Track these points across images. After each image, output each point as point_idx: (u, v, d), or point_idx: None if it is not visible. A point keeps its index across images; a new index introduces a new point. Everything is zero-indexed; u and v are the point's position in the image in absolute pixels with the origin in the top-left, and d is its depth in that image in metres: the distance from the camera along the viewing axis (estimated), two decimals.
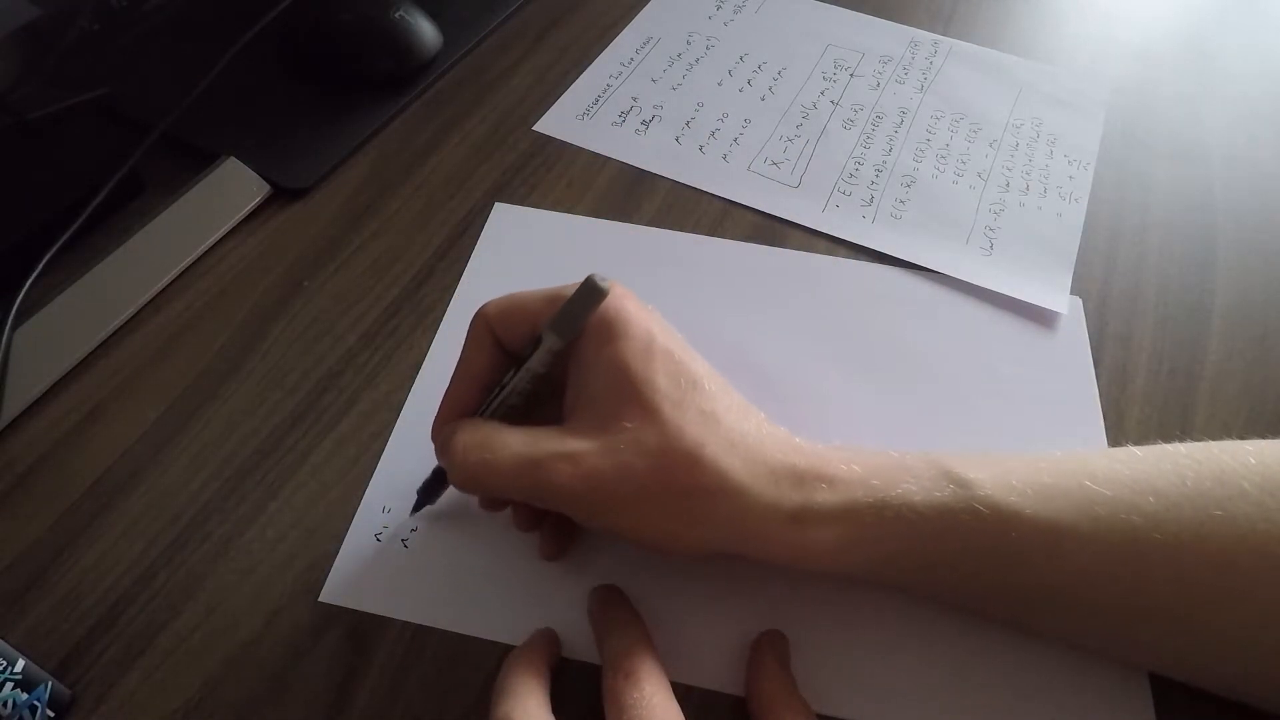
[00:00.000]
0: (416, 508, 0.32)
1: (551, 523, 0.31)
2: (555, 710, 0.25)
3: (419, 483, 0.31)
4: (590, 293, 0.26)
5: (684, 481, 0.26)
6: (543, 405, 0.29)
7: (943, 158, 0.48)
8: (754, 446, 0.27)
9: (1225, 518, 0.25)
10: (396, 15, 0.49)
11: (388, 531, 0.32)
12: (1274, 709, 0.27)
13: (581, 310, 0.27)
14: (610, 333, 0.27)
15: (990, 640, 0.30)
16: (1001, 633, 0.30)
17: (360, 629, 0.30)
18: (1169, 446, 0.28)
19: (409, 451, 0.34)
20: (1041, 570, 0.26)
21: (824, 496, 0.26)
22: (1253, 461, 0.26)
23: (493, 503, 0.31)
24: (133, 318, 0.38)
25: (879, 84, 0.52)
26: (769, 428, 0.28)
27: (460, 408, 0.29)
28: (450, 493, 0.32)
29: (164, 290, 0.39)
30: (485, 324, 0.29)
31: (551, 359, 0.28)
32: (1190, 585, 0.25)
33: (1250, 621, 0.25)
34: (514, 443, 0.27)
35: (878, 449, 0.28)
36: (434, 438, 0.29)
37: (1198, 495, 0.25)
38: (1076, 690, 0.29)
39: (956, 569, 0.27)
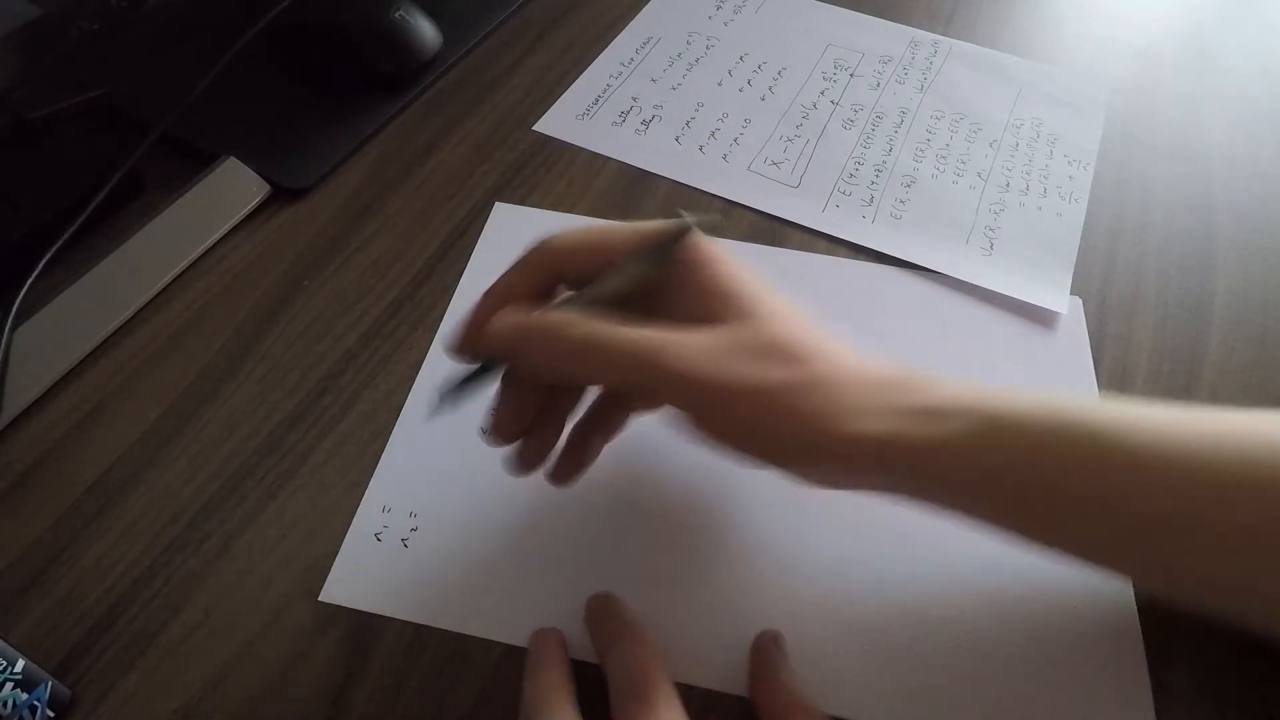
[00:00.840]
0: (440, 404, 0.28)
1: (573, 444, 0.30)
2: None
3: (418, 481, 0.31)
4: (683, 226, 0.27)
5: (799, 374, 0.25)
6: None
7: (943, 158, 0.48)
8: (849, 349, 0.27)
9: None
10: (396, 15, 0.49)
11: (388, 531, 0.32)
12: None
13: (673, 241, 0.27)
14: (700, 258, 0.27)
15: (991, 642, 0.30)
16: (1001, 632, 0.30)
17: (360, 629, 0.30)
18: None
19: (409, 451, 0.34)
20: (1148, 501, 0.25)
21: (935, 396, 0.26)
22: None
23: (526, 413, 0.28)
24: (133, 318, 0.38)
25: (879, 84, 0.52)
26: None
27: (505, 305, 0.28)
28: (453, 494, 0.32)
29: (164, 290, 0.39)
30: (552, 250, 0.28)
31: (632, 285, 0.27)
32: None
33: None
34: (618, 328, 0.25)
35: None
36: (469, 341, 0.28)
37: None
38: (1076, 690, 0.29)
39: (1063, 492, 0.26)
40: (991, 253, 0.42)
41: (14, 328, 0.36)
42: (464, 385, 0.28)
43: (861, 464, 0.26)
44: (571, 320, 0.26)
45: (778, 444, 0.26)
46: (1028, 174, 0.47)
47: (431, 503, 0.33)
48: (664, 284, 0.27)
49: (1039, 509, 0.26)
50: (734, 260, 0.27)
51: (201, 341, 0.38)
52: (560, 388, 0.29)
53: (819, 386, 0.25)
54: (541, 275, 0.28)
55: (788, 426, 0.25)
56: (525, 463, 0.29)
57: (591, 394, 0.31)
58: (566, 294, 0.28)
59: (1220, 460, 0.25)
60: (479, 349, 0.28)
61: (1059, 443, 0.25)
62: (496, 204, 0.44)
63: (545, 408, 0.29)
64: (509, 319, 0.27)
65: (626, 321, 0.26)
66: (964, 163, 0.47)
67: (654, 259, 0.27)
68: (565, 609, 0.30)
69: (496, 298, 0.28)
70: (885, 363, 0.27)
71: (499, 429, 0.28)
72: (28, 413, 0.35)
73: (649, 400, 0.30)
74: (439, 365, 0.37)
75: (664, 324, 0.26)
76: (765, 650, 0.28)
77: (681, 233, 0.27)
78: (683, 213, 0.27)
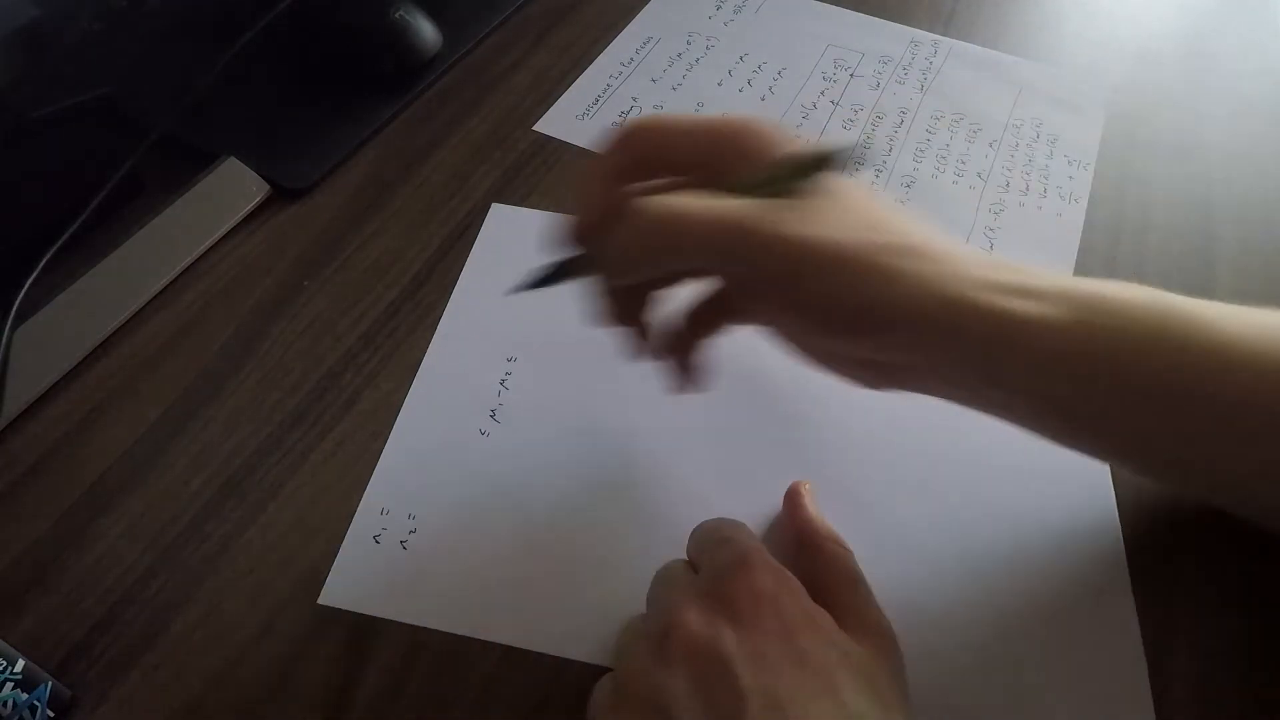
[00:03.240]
0: (530, 284, 0.29)
1: (683, 341, 0.31)
2: (554, 710, 0.25)
3: (418, 482, 0.31)
4: (838, 155, 0.25)
5: (897, 237, 0.25)
6: None
7: (943, 158, 0.48)
8: (945, 235, 0.27)
9: None
10: (396, 15, 0.49)
11: (387, 533, 0.32)
12: None
13: (822, 169, 0.25)
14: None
15: (988, 638, 0.30)
16: (999, 629, 0.30)
17: (359, 630, 0.30)
18: None
19: (409, 451, 0.34)
20: (1243, 400, 0.26)
21: (1034, 279, 0.26)
22: None
23: (635, 299, 0.29)
24: (133, 318, 0.38)
25: (879, 84, 0.52)
26: None
27: (602, 193, 0.28)
28: (451, 496, 0.32)
29: (164, 290, 0.39)
30: (639, 137, 0.28)
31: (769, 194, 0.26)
32: None
33: None
34: (708, 201, 0.25)
35: None
36: (586, 229, 0.28)
37: None
38: (1076, 688, 0.29)
39: (1155, 385, 0.26)
40: (992, 252, 0.42)
41: (14, 328, 0.36)
42: (550, 277, 0.29)
43: (948, 333, 0.25)
44: (657, 200, 0.25)
45: (869, 309, 0.25)
46: (1028, 174, 0.47)
47: (430, 505, 0.32)
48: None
49: (1117, 396, 0.26)
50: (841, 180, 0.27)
51: (201, 341, 0.38)
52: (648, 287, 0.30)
53: (915, 251, 0.25)
54: (630, 160, 0.28)
55: (884, 287, 0.25)
56: (630, 351, 0.31)
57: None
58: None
59: None
60: (570, 239, 0.28)
61: (1150, 330, 0.26)
62: (494, 205, 0.44)
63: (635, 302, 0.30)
64: (593, 199, 0.27)
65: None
66: (964, 163, 0.47)
67: (802, 175, 0.26)
68: (565, 610, 0.30)
69: (596, 187, 0.28)
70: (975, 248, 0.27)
71: (599, 317, 0.30)
72: (28, 413, 0.35)
73: (745, 285, 0.28)
74: (439, 365, 0.37)
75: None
76: (797, 494, 0.31)
77: (833, 161, 0.25)
78: (842, 147, 0.25)
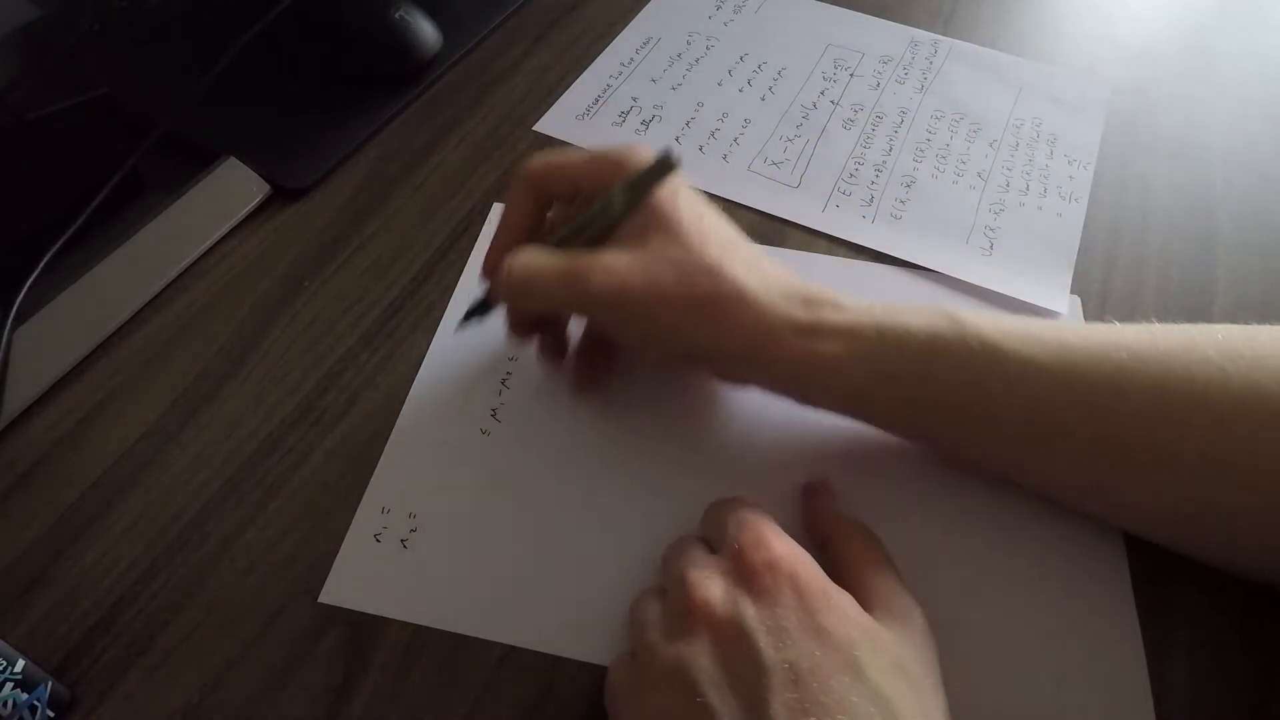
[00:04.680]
0: (464, 321, 0.35)
1: (583, 350, 0.35)
2: (554, 709, 0.25)
3: (418, 482, 0.32)
4: (666, 166, 0.30)
5: (705, 289, 0.29)
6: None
7: (943, 158, 0.48)
8: (769, 271, 0.31)
9: (1184, 374, 0.28)
10: (396, 15, 0.49)
11: (387, 532, 0.32)
12: (1231, 569, 0.30)
13: (656, 178, 0.30)
14: (660, 192, 0.31)
15: (988, 640, 0.30)
16: (999, 630, 0.30)
17: (360, 630, 0.30)
18: (1143, 325, 0.30)
19: (409, 451, 0.34)
20: (1021, 408, 0.29)
21: (831, 315, 0.30)
22: (1219, 337, 0.29)
23: (522, 326, 0.35)
24: (133, 318, 0.38)
25: (879, 84, 0.52)
26: (782, 268, 0.31)
27: (508, 247, 0.32)
28: (451, 495, 0.32)
29: (164, 290, 0.39)
30: (532, 177, 0.33)
31: (614, 219, 0.31)
32: (1148, 429, 0.28)
33: (1200, 473, 0.28)
34: (558, 259, 0.31)
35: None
36: (487, 272, 0.34)
37: (1165, 354, 0.28)
38: (1076, 689, 0.29)
39: (947, 400, 0.29)
40: (991, 252, 0.42)
41: (14, 328, 0.36)
42: (483, 305, 0.34)
43: (764, 370, 0.30)
44: (518, 261, 0.31)
45: (691, 351, 0.30)
46: (1028, 174, 0.47)
47: (431, 504, 0.32)
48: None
49: (919, 413, 0.30)
50: (674, 186, 0.31)
51: (201, 341, 0.38)
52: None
53: (726, 299, 0.29)
54: (531, 201, 0.33)
55: (703, 334, 0.30)
56: (544, 354, 0.36)
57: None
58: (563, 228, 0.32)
59: (1082, 369, 0.28)
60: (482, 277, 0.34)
61: (934, 352, 0.29)
62: (495, 205, 0.44)
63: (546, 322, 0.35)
64: (492, 268, 0.33)
65: (574, 250, 0.31)
66: (964, 163, 0.47)
67: (635, 196, 0.30)
68: (564, 609, 0.30)
69: (503, 232, 0.33)
70: (793, 281, 0.31)
71: (514, 328, 0.35)
72: (28, 413, 0.35)
73: (596, 319, 0.34)
74: (440, 365, 0.37)
75: (610, 246, 0.30)
76: (818, 486, 0.32)
77: (666, 171, 0.30)
78: (670, 151, 0.30)
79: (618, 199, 0.30)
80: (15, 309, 0.36)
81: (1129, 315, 0.40)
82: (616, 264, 0.29)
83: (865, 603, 0.26)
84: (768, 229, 0.43)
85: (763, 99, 0.51)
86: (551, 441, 0.34)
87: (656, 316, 0.29)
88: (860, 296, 0.31)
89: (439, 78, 0.51)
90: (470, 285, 0.40)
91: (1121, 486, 0.30)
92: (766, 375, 0.31)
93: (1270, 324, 0.40)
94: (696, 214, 0.31)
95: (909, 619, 0.26)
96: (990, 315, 0.30)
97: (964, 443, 0.31)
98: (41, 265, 0.38)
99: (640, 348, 0.33)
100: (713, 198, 0.44)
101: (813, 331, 0.29)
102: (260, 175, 0.43)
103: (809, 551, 0.27)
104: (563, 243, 0.31)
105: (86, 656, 0.29)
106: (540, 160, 0.33)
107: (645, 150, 0.31)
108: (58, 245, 0.38)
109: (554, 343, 0.36)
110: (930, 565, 0.31)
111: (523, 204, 0.33)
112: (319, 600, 0.30)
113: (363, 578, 0.31)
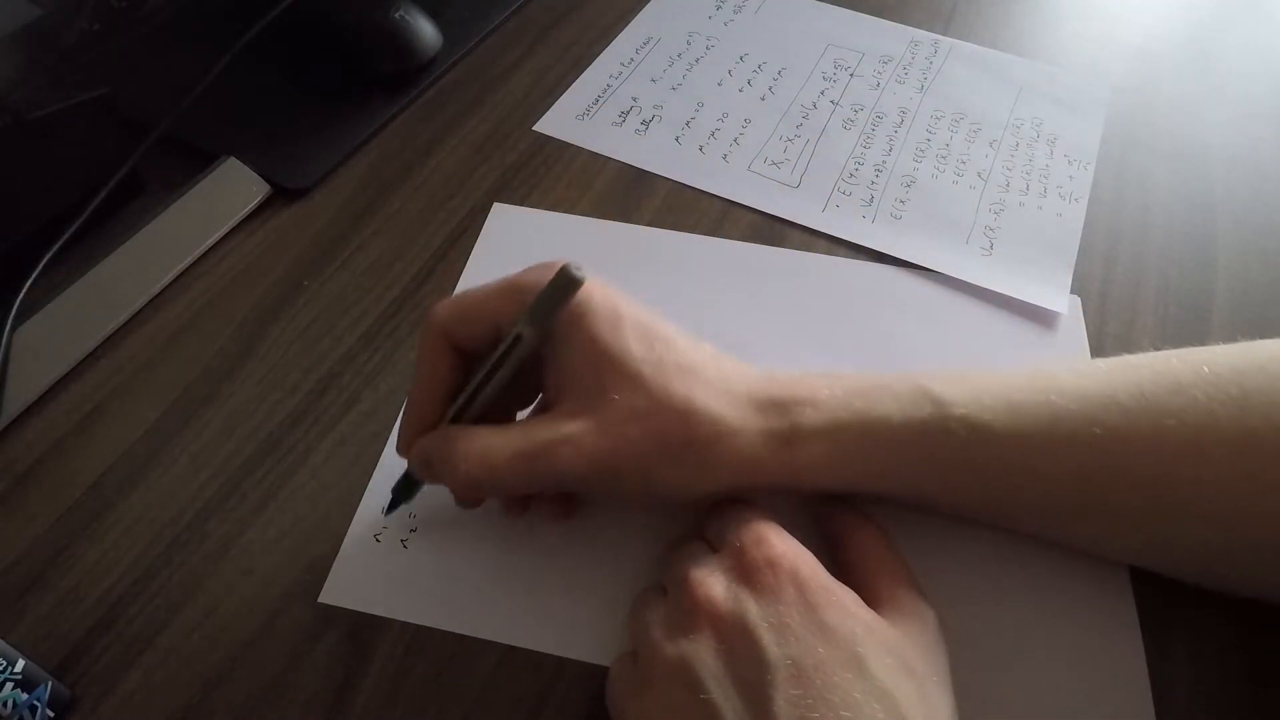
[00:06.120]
0: (391, 508, 0.31)
1: (546, 497, 0.31)
2: (554, 710, 0.25)
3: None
4: (567, 284, 0.26)
5: (680, 435, 0.27)
6: (517, 388, 0.30)
7: (943, 158, 0.48)
8: (736, 388, 0.28)
9: (1178, 426, 0.27)
10: (396, 15, 0.49)
11: (387, 532, 0.32)
12: (1231, 591, 0.30)
13: (560, 300, 0.27)
14: (577, 312, 0.27)
15: (989, 640, 0.30)
16: (1000, 630, 0.30)
17: (360, 629, 0.30)
18: (1130, 358, 0.30)
19: None
20: (1016, 482, 0.28)
21: (809, 417, 0.28)
22: (1205, 371, 0.28)
23: (471, 500, 0.31)
24: (133, 318, 0.38)
25: (879, 84, 0.52)
26: (743, 368, 0.30)
27: (428, 419, 0.29)
28: (449, 495, 0.32)
29: (164, 290, 0.39)
30: (439, 330, 0.29)
31: (528, 352, 0.27)
32: (1148, 487, 0.28)
33: (1198, 515, 0.28)
34: (511, 441, 0.27)
35: (857, 372, 0.30)
36: (405, 453, 0.30)
37: (1155, 406, 0.27)
38: (1076, 689, 0.29)
39: (939, 482, 0.29)
40: (991, 252, 0.42)
41: (14, 328, 0.36)
42: (409, 485, 0.31)
43: (746, 482, 0.28)
44: (466, 453, 0.27)
45: (681, 491, 0.28)
46: (1028, 174, 0.47)
47: (430, 504, 0.32)
48: (552, 341, 0.28)
49: (916, 496, 0.30)
50: (612, 305, 0.28)
51: (201, 341, 0.38)
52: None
53: (710, 441, 0.27)
54: (445, 352, 0.29)
55: (686, 475, 0.28)
56: (511, 515, 0.32)
57: None
58: (477, 374, 0.29)
59: (1076, 437, 0.28)
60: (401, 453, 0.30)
61: (930, 450, 0.28)
62: (495, 204, 0.44)
63: None
64: (409, 448, 0.29)
65: (510, 404, 0.30)
66: (964, 163, 0.47)
67: (541, 321, 0.27)
68: (564, 609, 0.30)
69: (417, 404, 0.29)
70: (757, 381, 0.29)
71: (461, 502, 0.31)
72: (28, 413, 0.35)
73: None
74: None
75: (559, 402, 0.28)
76: (853, 522, 0.30)
77: (566, 293, 0.27)
78: (568, 267, 0.26)
79: (526, 332, 0.27)
80: (15, 309, 0.36)
81: (1129, 315, 0.40)
82: (581, 436, 0.27)
83: (873, 600, 0.26)
84: (767, 229, 0.43)
85: (763, 99, 0.51)
86: None
87: (633, 476, 0.27)
88: (831, 373, 0.30)
89: (439, 78, 0.51)
90: (471, 286, 0.40)
91: (1131, 532, 0.29)
92: (751, 490, 0.29)
93: (1268, 319, 0.40)
94: (638, 335, 0.28)
95: (917, 617, 0.26)
96: (969, 386, 0.29)
97: (960, 511, 0.31)
98: (42, 265, 0.38)
99: (620, 500, 0.32)
100: (713, 198, 0.45)
101: (792, 439, 0.28)
102: (260, 175, 0.43)
103: (818, 550, 0.27)
104: (490, 400, 0.28)
105: (87, 656, 0.29)
106: (444, 307, 0.29)
107: (550, 268, 0.27)
108: (58, 245, 0.38)
109: (519, 500, 0.32)
110: (930, 566, 0.31)
111: (435, 365, 0.29)
112: (319, 600, 0.30)
113: (363, 578, 0.31)
